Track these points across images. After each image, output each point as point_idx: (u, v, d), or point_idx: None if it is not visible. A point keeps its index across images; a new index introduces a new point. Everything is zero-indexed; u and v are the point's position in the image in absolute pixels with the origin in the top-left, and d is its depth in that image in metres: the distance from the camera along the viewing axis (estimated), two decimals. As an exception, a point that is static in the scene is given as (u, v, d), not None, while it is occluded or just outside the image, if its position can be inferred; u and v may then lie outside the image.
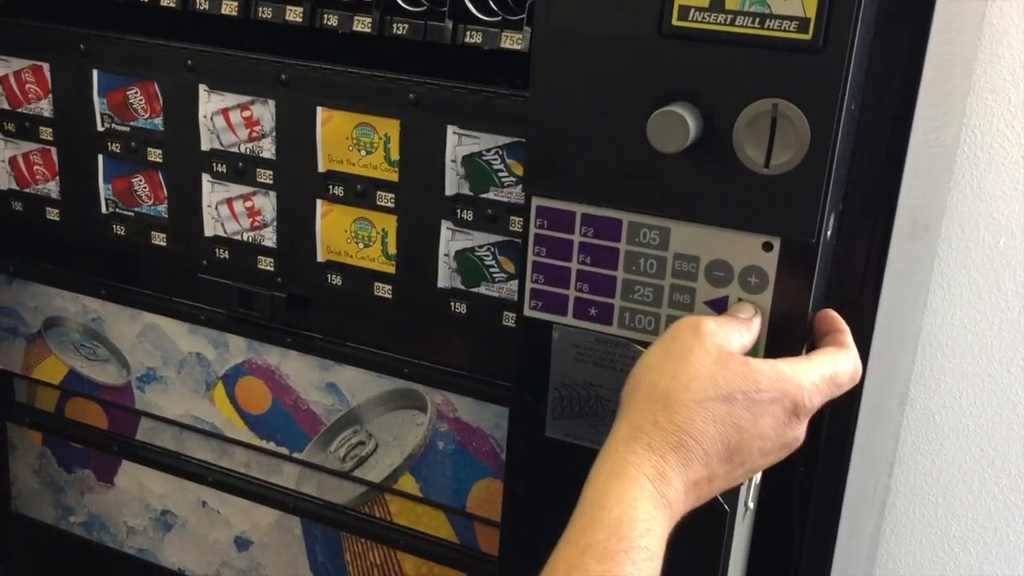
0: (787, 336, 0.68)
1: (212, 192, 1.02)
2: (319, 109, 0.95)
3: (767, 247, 0.67)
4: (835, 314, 0.70)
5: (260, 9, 0.96)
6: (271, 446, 1.09)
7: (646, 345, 0.72)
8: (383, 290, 0.98)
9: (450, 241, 0.94)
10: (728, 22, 0.63)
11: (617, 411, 0.66)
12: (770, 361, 0.65)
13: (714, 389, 0.63)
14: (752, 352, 0.67)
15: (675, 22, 0.64)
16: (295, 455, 1.08)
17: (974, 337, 1.35)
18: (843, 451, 0.78)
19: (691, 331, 0.65)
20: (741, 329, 0.67)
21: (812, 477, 0.76)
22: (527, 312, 0.74)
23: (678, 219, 0.68)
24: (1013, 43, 1.22)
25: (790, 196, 0.64)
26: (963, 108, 1.24)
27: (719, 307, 0.69)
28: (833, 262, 0.72)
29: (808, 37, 0.61)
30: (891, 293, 0.80)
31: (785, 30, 0.61)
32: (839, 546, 0.83)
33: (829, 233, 0.68)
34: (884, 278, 0.73)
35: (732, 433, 0.63)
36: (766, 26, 0.62)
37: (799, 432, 0.66)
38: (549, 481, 0.79)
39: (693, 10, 0.63)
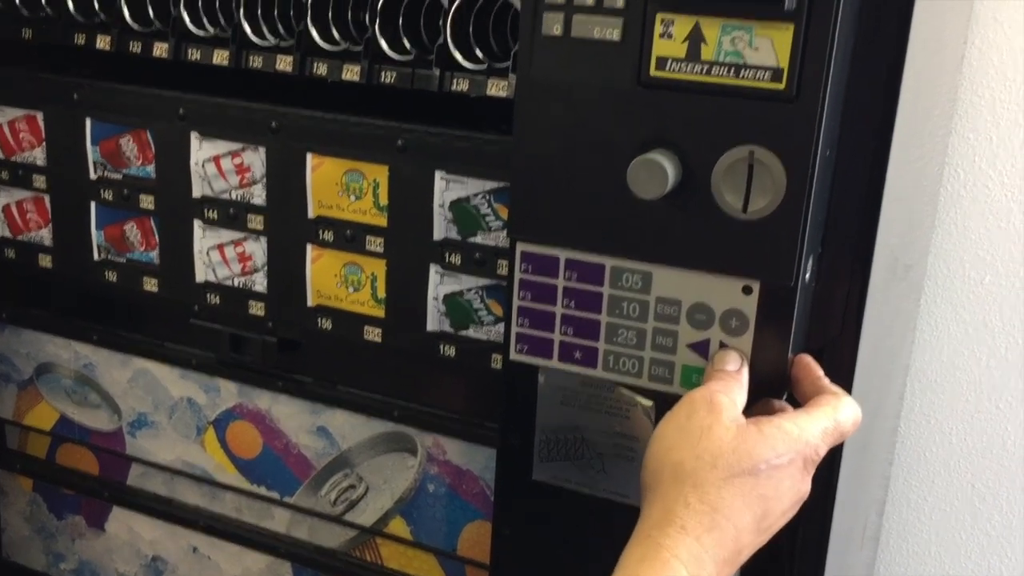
0: (768, 378, 0.69)
1: (203, 238, 1.03)
2: (309, 155, 0.96)
3: (747, 291, 0.68)
4: (809, 359, 0.71)
5: (251, 58, 0.98)
6: (262, 491, 1.09)
7: (630, 387, 0.73)
8: (373, 334, 0.99)
9: (439, 285, 0.95)
10: (704, 72, 0.64)
11: (642, 493, 0.66)
12: (776, 421, 0.66)
13: (739, 465, 0.64)
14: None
15: (653, 72, 0.66)
16: (286, 499, 1.08)
17: (963, 374, 1.35)
18: (828, 491, 0.79)
19: (706, 408, 0.66)
20: (740, 390, 0.68)
21: (798, 518, 0.76)
22: (513, 356, 0.75)
23: (660, 263, 0.70)
24: (992, 83, 1.24)
25: (768, 240, 0.65)
26: (944, 148, 1.26)
27: (701, 350, 0.70)
28: (814, 304, 0.73)
29: (782, 87, 0.63)
30: (873, 332, 0.81)
31: (759, 79, 0.63)
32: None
33: (808, 276, 0.69)
34: (864, 318, 0.74)
35: (759, 504, 0.64)
36: (741, 76, 0.63)
37: (808, 484, 0.68)
38: (537, 524, 0.79)
39: (670, 61, 0.65)
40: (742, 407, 0.68)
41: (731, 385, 0.68)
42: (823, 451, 0.67)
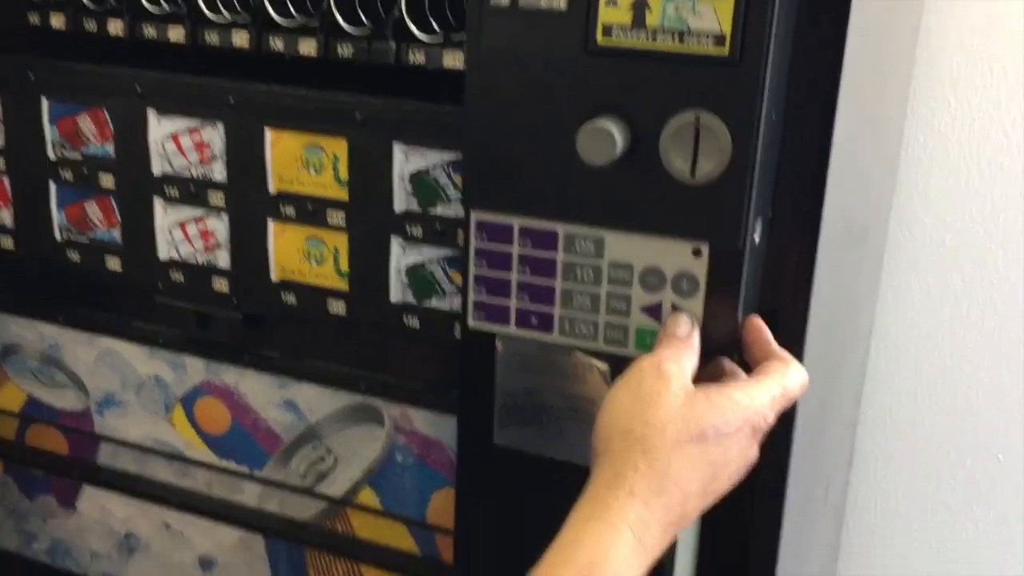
0: (719, 339, 0.70)
1: (165, 215, 1.03)
2: (268, 130, 0.96)
3: (697, 253, 0.69)
4: (760, 322, 0.72)
5: (207, 35, 0.98)
6: (232, 465, 1.10)
7: (587, 352, 0.74)
8: (337, 307, 0.99)
9: (401, 257, 0.95)
10: (649, 39, 0.65)
11: (592, 457, 0.67)
12: (725, 391, 0.67)
13: (687, 431, 0.65)
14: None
15: (599, 40, 0.66)
16: (256, 473, 1.09)
17: (926, 334, 1.37)
18: (782, 455, 0.80)
19: (655, 375, 0.67)
20: (690, 355, 0.69)
21: (755, 481, 0.78)
22: (471, 324, 0.76)
23: (611, 228, 0.70)
24: (950, 48, 1.25)
25: (716, 203, 0.66)
26: (903, 112, 1.27)
27: (654, 313, 0.71)
28: (765, 266, 0.74)
29: (725, 52, 0.63)
30: (827, 294, 0.83)
31: (703, 45, 0.64)
32: (784, 545, 0.84)
33: (757, 238, 0.70)
34: (815, 281, 0.75)
35: (707, 469, 0.65)
36: (685, 42, 0.64)
37: (756, 450, 0.69)
38: (499, 489, 0.81)
39: (616, 28, 0.65)
40: (692, 372, 0.69)
41: (680, 352, 0.69)
42: (772, 418, 0.68)
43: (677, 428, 0.64)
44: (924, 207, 1.33)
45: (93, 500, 1.20)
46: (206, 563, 1.16)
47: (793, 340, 0.77)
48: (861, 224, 1.01)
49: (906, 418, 1.41)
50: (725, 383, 0.69)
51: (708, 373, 0.72)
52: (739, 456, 0.67)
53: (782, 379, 0.69)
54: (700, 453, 0.65)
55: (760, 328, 0.72)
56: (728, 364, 0.72)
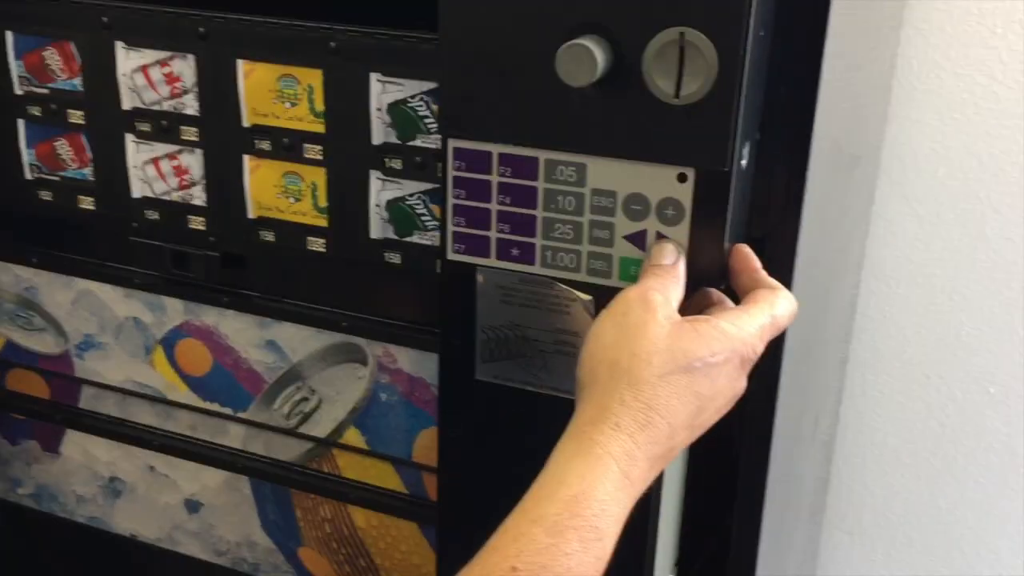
0: (706, 267, 0.69)
1: (137, 152, 1.00)
2: (240, 62, 0.93)
3: (682, 178, 0.67)
4: (747, 250, 0.70)
5: (174, -39, 0.94)
6: (215, 407, 1.09)
7: (569, 283, 0.72)
8: (316, 244, 0.97)
9: (380, 191, 0.93)
10: (631, -50, 0.62)
11: (577, 390, 0.66)
12: (712, 320, 0.65)
13: (673, 362, 0.63)
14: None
15: (579, -47, 0.63)
16: (239, 415, 1.08)
17: (916, 267, 1.36)
18: (770, 387, 0.79)
19: (641, 305, 0.65)
20: (676, 285, 0.68)
21: (742, 413, 0.77)
22: (450, 256, 0.74)
23: (593, 154, 0.68)
24: (944, -29, 1.22)
25: (701, 126, 0.64)
26: (896, 40, 1.24)
27: (638, 241, 0.69)
28: (753, 192, 0.72)
29: (710, -37, 0.60)
30: (816, 223, 0.81)
31: (687, -43, 0.61)
32: (772, 478, 0.84)
33: (744, 163, 0.68)
34: (803, 209, 0.73)
35: (694, 401, 0.64)
36: (668, -47, 0.61)
37: (744, 381, 0.68)
38: (482, 424, 0.79)
39: (596, -60, 0.62)
40: (678, 303, 0.67)
41: (666, 282, 0.67)
42: (760, 348, 0.67)
43: (663, 359, 0.63)
44: (917, 137, 1.31)
45: (76, 444, 1.18)
46: (192, 505, 1.15)
47: (781, 269, 0.75)
48: (852, 152, 0.99)
49: (896, 351, 1.40)
50: (712, 313, 0.67)
51: (695, 303, 0.70)
52: (727, 387, 0.66)
53: (770, 308, 0.67)
54: (687, 384, 0.63)
55: (748, 256, 0.70)
56: (716, 294, 0.70)
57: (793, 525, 1.16)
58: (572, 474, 0.61)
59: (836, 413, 1.41)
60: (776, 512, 0.91)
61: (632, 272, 0.70)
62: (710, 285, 0.70)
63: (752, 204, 0.73)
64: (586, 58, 0.63)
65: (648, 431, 0.62)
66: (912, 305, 1.38)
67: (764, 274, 0.70)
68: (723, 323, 0.65)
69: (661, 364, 0.63)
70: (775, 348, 0.79)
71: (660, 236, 0.69)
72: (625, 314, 0.65)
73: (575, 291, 0.73)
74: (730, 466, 0.86)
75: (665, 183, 0.67)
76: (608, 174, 0.68)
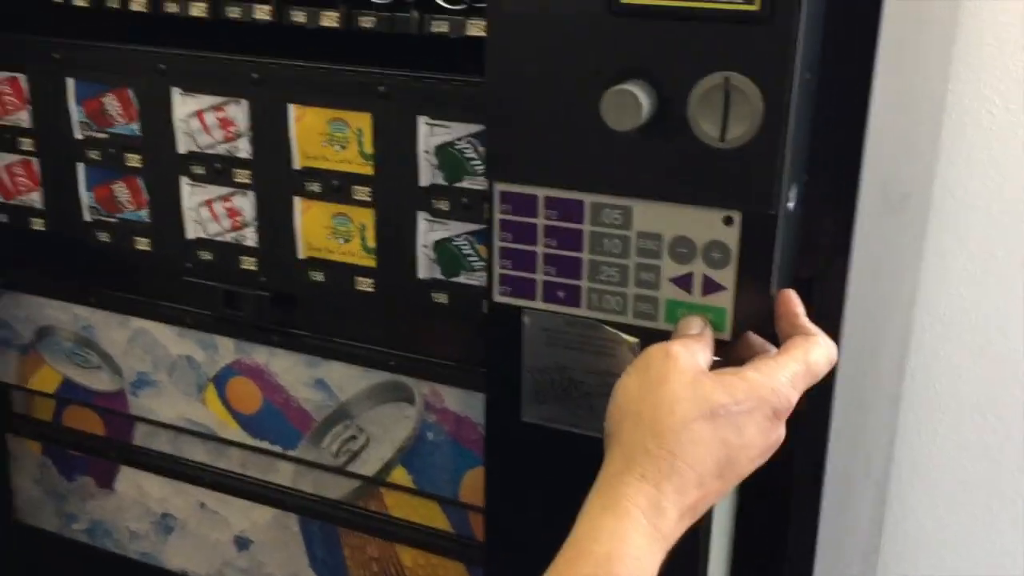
0: (753, 310, 0.68)
1: (192, 195, 1.03)
2: (291, 106, 0.95)
3: (728, 221, 0.67)
4: (791, 295, 0.70)
5: (228, 9, 0.96)
6: (265, 445, 1.10)
7: (615, 326, 0.72)
8: (365, 284, 0.98)
9: (428, 232, 0.94)
10: (676, -4, 0.62)
11: (605, 443, 0.66)
12: (741, 371, 0.65)
13: (696, 410, 0.63)
14: (717, 325, 0.68)
15: None
16: (289, 453, 1.09)
17: (971, 305, 1.34)
18: (822, 429, 0.78)
19: (662, 357, 0.66)
20: (703, 347, 0.68)
21: (793, 457, 0.76)
22: (496, 298, 0.74)
23: (639, 197, 0.68)
24: (995, 4, 1.21)
25: (747, 169, 0.64)
26: (946, 74, 1.23)
27: (684, 284, 0.69)
28: (800, 234, 0.72)
29: (755, 8, 0.61)
30: (865, 263, 0.80)
31: (732, 1, 0.61)
32: (824, 520, 0.82)
33: (791, 205, 0.68)
34: (852, 249, 0.73)
35: (720, 449, 0.63)
36: (713, -1, 0.61)
37: (781, 431, 0.66)
38: (528, 466, 0.79)
39: (640, -14, 0.63)
40: (706, 362, 0.67)
41: (690, 342, 0.67)
42: (794, 397, 0.66)
43: (685, 408, 0.63)
44: (968, 174, 1.29)
45: (130, 480, 1.20)
46: (242, 542, 1.16)
47: (830, 311, 0.74)
48: (901, 191, 0.98)
49: (950, 391, 1.37)
50: (744, 364, 0.67)
51: (737, 351, 0.70)
52: (757, 436, 0.64)
53: (804, 355, 0.66)
54: (712, 431, 0.63)
55: (791, 301, 0.69)
56: (758, 342, 0.70)
57: (847, 567, 1.14)
58: (603, 531, 0.61)
59: (890, 453, 1.38)
60: (829, 554, 0.89)
61: (678, 315, 0.70)
62: (756, 329, 0.69)
63: (800, 245, 0.72)
64: (631, 103, 0.63)
65: (674, 480, 0.62)
66: (966, 343, 1.35)
67: (805, 320, 0.69)
68: (750, 372, 0.65)
69: (683, 412, 0.63)
70: (826, 390, 0.78)
71: (706, 279, 0.68)
72: (647, 367, 0.66)
73: (621, 334, 0.73)
74: (782, 507, 0.84)
75: (711, 226, 0.67)
76: (654, 217, 0.68)
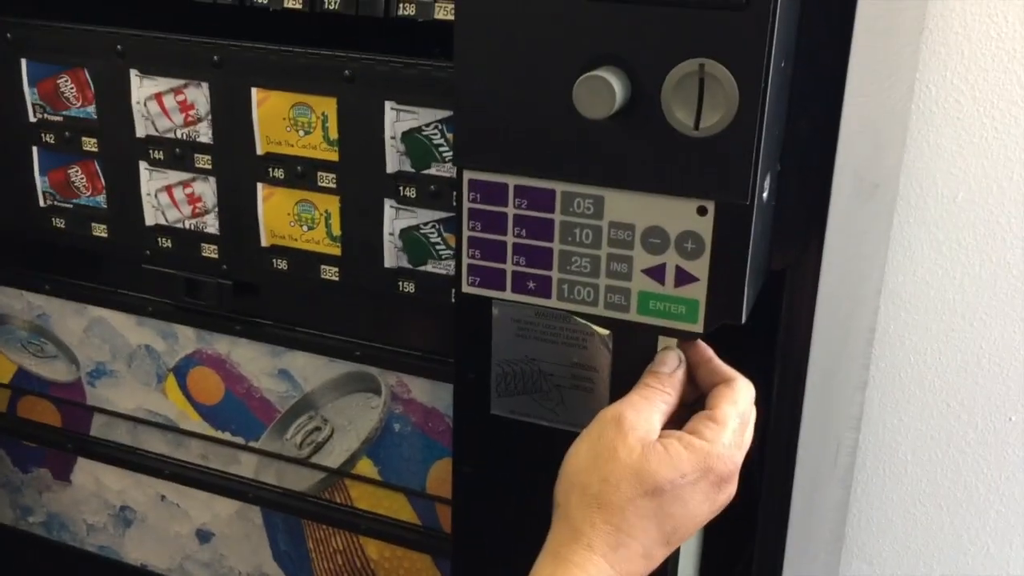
0: (726, 303, 0.67)
1: (150, 180, 1.00)
2: (254, 90, 0.93)
3: (702, 211, 0.65)
4: (701, 344, 0.70)
5: (188, -11, 0.94)
6: (227, 436, 1.08)
7: (586, 317, 0.71)
8: (330, 273, 0.96)
9: (394, 220, 0.92)
10: (650, -19, 0.61)
11: (554, 509, 0.67)
12: (686, 438, 0.65)
13: (642, 487, 0.64)
14: (689, 317, 0.67)
15: (597, -16, 0.62)
16: (251, 444, 1.07)
17: (936, 292, 1.34)
18: (795, 417, 0.78)
19: (614, 427, 0.66)
20: (663, 398, 0.68)
21: (763, 444, 0.75)
22: (465, 288, 0.73)
23: (611, 187, 0.67)
24: (963, -6, 1.21)
25: (721, 158, 0.63)
26: (915, 63, 1.22)
27: (657, 275, 0.68)
28: (774, 224, 0.71)
29: (731, -6, 0.59)
30: (838, 252, 0.79)
31: (707, -13, 0.60)
32: (796, 506, 0.82)
33: (765, 195, 0.67)
34: (826, 239, 0.72)
35: (667, 521, 0.65)
36: (688, -16, 0.60)
37: (731, 489, 0.67)
38: (497, 458, 0.78)
39: (614, -29, 0.61)
40: (665, 415, 0.68)
41: (651, 398, 0.68)
42: (739, 457, 0.67)
43: (631, 484, 0.64)
44: (935, 162, 1.29)
45: (88, 472, 1.18)
46: (203, 535, 1.14)
47: (804, 301, 0.74)
48: (872, 180, 0.97)
49: (915, 378, 1.38)
50: (691, 423, 0.67)
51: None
52: (704, 504, 0.66)
53: (735, 408, 0.67)
54: (656, 507, 0.64)
55: (700, 350, 0.70)
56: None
57: (814, 554, 1.14)
58: None
59: (855, 440, 1.39)
60: (798, 540, 0.89)
61: (650, 306, 0.69)
62: (731, 318, 0.68)
63: (773, 235, 0.71)
64: (604, 90, 0.61)
65: (620, 551, 0.64)
66: (932, 332, 1.36)
67: (719, 363, 0.70)
68: (696, 440, 0.65)
69: (629, 489, 0.64)
70: (798, 378, 0.77)
71: (679, 270, 0.67)
72: (599, 436, 0.66)
73: (592, 325, 0.72)
74: (751, 494, 0.84)
75: (684, 216, 0.66)
76: (626, 207, 0.67)
